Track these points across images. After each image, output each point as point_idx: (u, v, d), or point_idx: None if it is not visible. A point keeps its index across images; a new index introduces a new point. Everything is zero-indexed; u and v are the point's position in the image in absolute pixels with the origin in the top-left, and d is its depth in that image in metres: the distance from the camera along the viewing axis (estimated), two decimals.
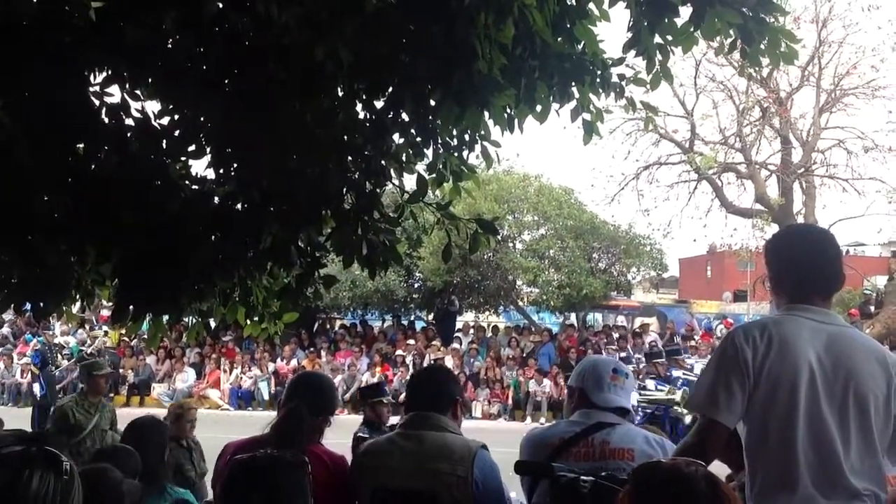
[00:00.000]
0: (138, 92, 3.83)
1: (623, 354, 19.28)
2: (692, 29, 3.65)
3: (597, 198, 38.48)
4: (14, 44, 3.20)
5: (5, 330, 22.94)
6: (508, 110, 3.99)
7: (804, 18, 21.75)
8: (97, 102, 3.76)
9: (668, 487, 2.01)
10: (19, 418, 11.70)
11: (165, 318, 4.37)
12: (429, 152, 4.30)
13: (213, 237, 3.98)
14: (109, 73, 3.73)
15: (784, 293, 2.91)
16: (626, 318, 27.23)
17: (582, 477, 2.93)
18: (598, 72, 4.18)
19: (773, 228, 20.51)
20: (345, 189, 4.04)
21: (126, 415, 8.01)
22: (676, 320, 24.44)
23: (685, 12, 3.61)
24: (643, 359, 18.24)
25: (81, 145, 3.79)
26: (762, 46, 3.57)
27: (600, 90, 4.25)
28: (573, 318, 25.05)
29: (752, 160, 23.04)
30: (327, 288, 4.16)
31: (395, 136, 4.20)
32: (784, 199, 22.20)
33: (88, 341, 15.27)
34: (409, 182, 4.45)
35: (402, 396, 16.26)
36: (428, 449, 3.16)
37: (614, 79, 4.23)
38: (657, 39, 3.79)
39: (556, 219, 22.64)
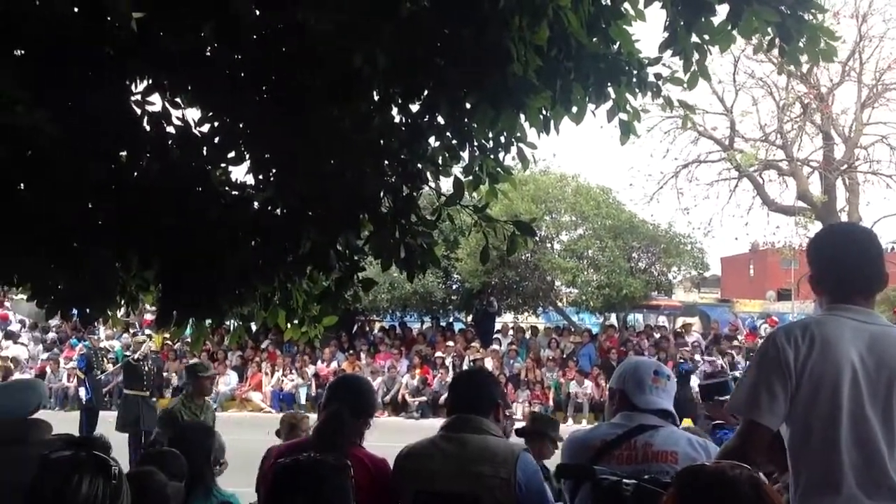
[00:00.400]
0: (178, 100, 3.89)
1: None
2: (729, 28, 3.63)
3: (635, 197, 38.19)
4: (58, 54, 3.27)
5: (51, 335, 23.36)
6: (544, 112, 3.99)
7: (844, 13, 21.42)
8: (139, 111, 3.83)
9: (711, 491, 2.00)
10: (67, 422, 11.87)
11: (208, 322, 4.43)
12: (465, 155, 4.30)
13: (252, 242, 4.03)
14: (150, 82, 3.80)
15: (826, 293, 2.87)
16: (668, 319, 26.96)
17: (624, 480, 2.90)
18: (635, 72, 4.16)
19: (816, 226, 20.24)
20: (382, 193, 4.07)
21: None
22: (720, 320, 24.17)
23: (722, 11, 3.58)
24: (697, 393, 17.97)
25: (124, 153, 3.86)
26: (801, 44, 3.54)
27: (637, 90, 4.23)
28: (613, 318, 24.87)
29: (794, 157, 22.73)
30: (366, 291, 4.19)
31: (431, 140, 4.21)
32: (827, 197, 21.88)
33: (133, 345, 15.45)
34: (446, 185, 4.48)
35: (443, 398, 16.32)
36: (470, 452, 3.16)
37: (651, 78, 4.21)
38: (694, 38, 3.77)
39: (594, 219, 22.50)
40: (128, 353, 13.76)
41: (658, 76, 4.22)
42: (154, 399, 13.44)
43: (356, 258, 4.20)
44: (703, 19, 3.65)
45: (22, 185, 3.49)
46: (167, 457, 4.13)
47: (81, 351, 16.94)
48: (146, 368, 13.04)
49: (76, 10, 3.06)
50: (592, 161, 53.88)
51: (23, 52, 3.33)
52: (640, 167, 33.48)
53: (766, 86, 22.82)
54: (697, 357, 17.09)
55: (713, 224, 24.87)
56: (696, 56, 3.85)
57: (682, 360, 16.93)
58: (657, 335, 22.20)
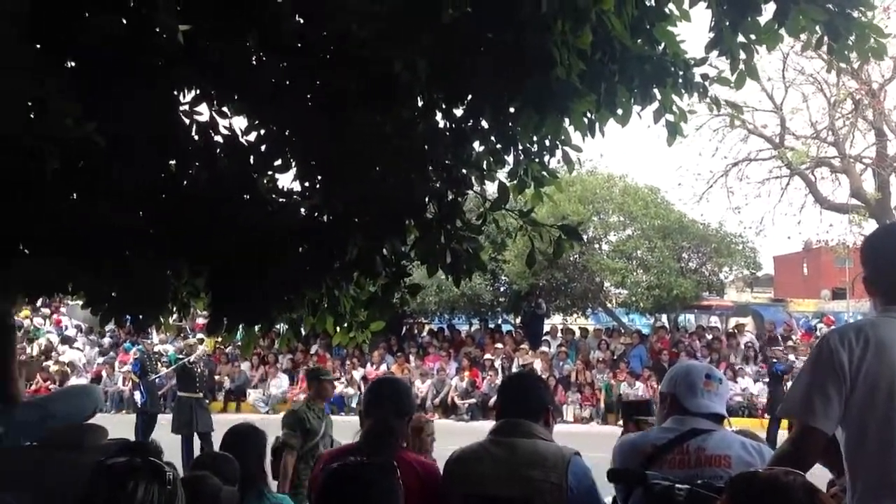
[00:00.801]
0: (225, 109, 3.94)
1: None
2: (776, 27, 3.57)
3: (684, 196, 37.71)
4: (107, 66, 3.33)
5: (107, 340, 23.83)
6: (589, 115, 3.97)
7: (894, 8, 20.89)
8: (187, 121, 3.89)
9: (764, 497, 1.97)
10: (122, 425, 12.12)
11: (257, 327, 4.48)
12: (509, 159, 4.30)
13: (300, 249, 4.07)
14: (198, 92, 3.86)
15: (880, 294, 2.82)
16: (720, 319, 26.60)
17: (677, 485, 2.86)
18: (681, 72, 4.12)
19: (871, 223, 19.82)
20: (427, 198, 4.08)
21: (223, 421, 8.21)
22: (774, 320, 23.77)
23: (768, 10, 3.53)
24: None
25: (173, 162, 3.92)
26: (850, 42, 3.47)
27: (683, 91, 4.19)
28: (664, 319, 24.60)
29: (846, 154, 22.25)
30: (413, 296, 4.21)
31: (476, 144, 4.22)
32: (881, 194, 21.36)
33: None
34: (491, 189, 4.47)
35: (492, 401, 16.32)
36: (520, 456, 3.15)
37: (697, 79, 4.17)
38: (740, 38, 3.72)
39: (642, 219, 22.27)
40: (181, 357, 13.96)
41: (705, 76, 4.18)
42: (207, 401, 13.61)
43: (402, 263, 4.22)
44: (749, 19, 3.61)
45: (74, 195, 3.55)
46: (220, 461, 4.18)
47: (135, 355, 17.22)
48: (199, 371, 13.22)
49: (124, 21, 3.11)
50: (640, 161, 53.45)
51: (73, 64, 3.40)
52: (689, 166, 32.94)
53: (817, 82, 22.37)
54: (792, 357, 16.64)
55: (765, 223, 24.44)
56: (742, 55, 3.80)
57: (775, 360, 16.53)
58: (709, 336, 21.92)
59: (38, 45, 3.03)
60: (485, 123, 4.08)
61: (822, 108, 22.74)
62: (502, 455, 3.17)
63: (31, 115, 2.71)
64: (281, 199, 4.24)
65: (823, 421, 2.64)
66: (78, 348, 24.06)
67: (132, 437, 11.51)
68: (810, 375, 2.72)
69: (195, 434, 12.14)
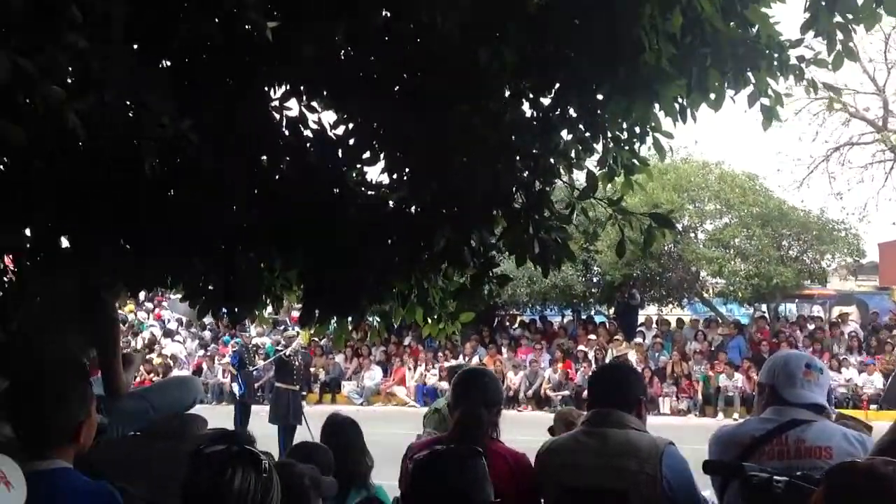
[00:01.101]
0: (314, 104, 4.00)
1: None
2: (874, 5, 3.44)
3: (784, 183, 36.55)
4: (199, 64, 3.43)
5: (207, 333, 24.58)
6: (679, 100, 3.89)
7: None
8: (277, 116, 3.97)
9: (861, 487, 1.93)
10: (222, 416, 12.50)
11: (349, 319, 4.55)
12: (598, 147, 4.24)
13: (388, 241, 4.11)
14: (287, 87, 3.93)
15: None
16: (823, 308, 25.79)
17: (775, 477, 2.80)
18: (776, 55, 4.00)
19: None
20: (514, 188, 4.07)
21: (319, 412, 8.37)
22: (879, 308, 22.92)
23: None
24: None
25: (264, 158, 4.01)
26: None
27: (778, 74, 4.07)
28: (764, 309, 23.99)
29: None
30: (501, 287, 4.20)
31: (564, 133, 4.17)
32: None
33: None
34: (580, 178, 4.42)
35: (586, 393, 16.10)
36: (612, 447, 3.12)
37: (793, 61, 4.04)
38: (837, 18, 3.60)
39: (740, 206, 21.72)
40: (279, 349, 14.29)
41: (801, 59, 4.04)
42: (303, 393, 13.90)
43: (490, 254, 4.22)
44: None
45: (171, 191, 3.67)
46: (315, 450, 4.27)
47: (234, 348, 17.72)
48: (296, 364, 13.51)
49: (216, 21, 3.19)
50: (737, 147, 52.04)
51: (168, 63, 3.51)
52: (788, 151, 31.99)
53: None
54: None
55: (868, 209, 23.52)
56: (840, 36, 3.67)
57: None
58: (811, 326, 21.27)
59: (136, 46, 3.13)
60: (573, 112, 4.04)
61: None
62: (595, 445, 3.16)
63: (130, 114, 2.80)
64: (370, 192, 4.28)
65: None
66: (179, 341, 24.90)
67: (231, 427, 11.85)
68: None
69: (292, 425, 12.38)
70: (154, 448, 3.92)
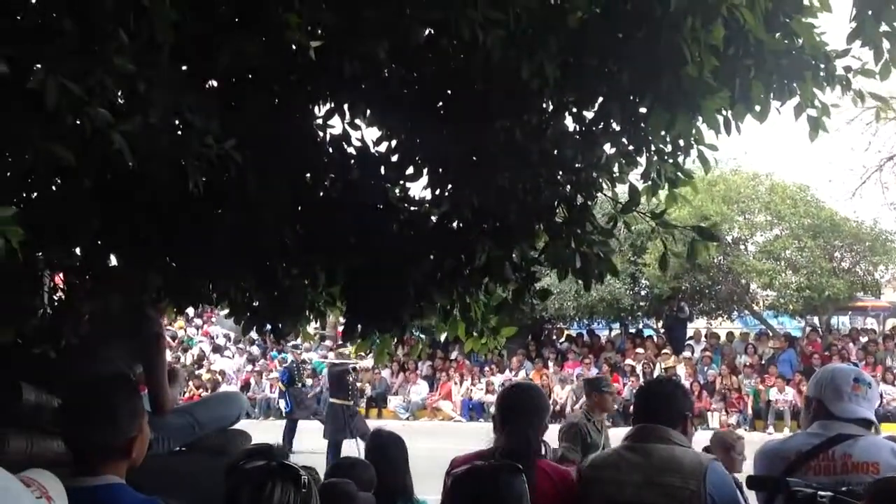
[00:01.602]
0: (358, 121, 4.04)
1: None
2: None
3: (836, 193, 35.92)
4: (243, 83, 3.49)
5: (255, 348, 24.82)
6: (724, 112, 3.85)
7: None
8: (321, 134, 4.02)
9: None
10: (271, 431, 12.60)
11: (391, 334, 4.57)
12: (642, 160, 4.22)
13: (430, 256, 4.12)
14: (331, 105, 3.97)
15: None
16: (876, 320, 25.27)
17: (819, 492, 2.76)
18: (822, 65, 3.95)
19: None
20: (556, 202, 4.06)
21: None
22: None
23: None
24: None
25: (308, 175, 4.05)
26: None
27: (825, 84, 4.02)
28: (816, 321, 23.57)
29: None
30: (543, 301, 4.19)
31: (606, 147, 4.16)
32: None
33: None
34: (624, 191, 4.39)
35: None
36: (656, 462, 3.09)
37: (840, 71, 3.98)
38: (884, 27, 3.54)
39: (790, 218, 21.38)
40: (336, 363, 14.26)
41: (847, 69, 3.99)
42: (357, 407, 13.90)
43: (532, 269, 4.21)
44: (892, 7, 3.43)
45: (217, 209, 3.72)
46: (358, 467, 4.28)
47: (283, 364, 17.82)
48: (350, 379, 13.50)
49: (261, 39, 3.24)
50: (787, 157, 51.21)
51: (214, 83, 3.58)
52: (841, 161, 31.40)
53: None
54: None
55: None
56: (887, 45, 3.62)
57: None
58: (864, 339, 20.84)
59: (184, 67, 3.20)
60: (615, 125, 4.02)
61: None
62: (638, 461, 3.12)
63: (177, 133, 2.86)
64: (412, 208, 4.30)
65: None
66: (228, 357, 25.17)
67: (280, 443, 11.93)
68: None
69: (356, 439, 12.23)
70: (198, 463, 3.98)
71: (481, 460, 3.14)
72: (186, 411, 4.22)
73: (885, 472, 2.84)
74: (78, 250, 3.89)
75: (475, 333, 4.71)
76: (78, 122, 2.42)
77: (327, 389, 15.44)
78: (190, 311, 22.68)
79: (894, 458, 2.93)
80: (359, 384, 19.90)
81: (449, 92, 3.98)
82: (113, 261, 3.94)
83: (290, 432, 14.36)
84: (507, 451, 3.25)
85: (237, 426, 4.44)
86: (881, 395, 17.24)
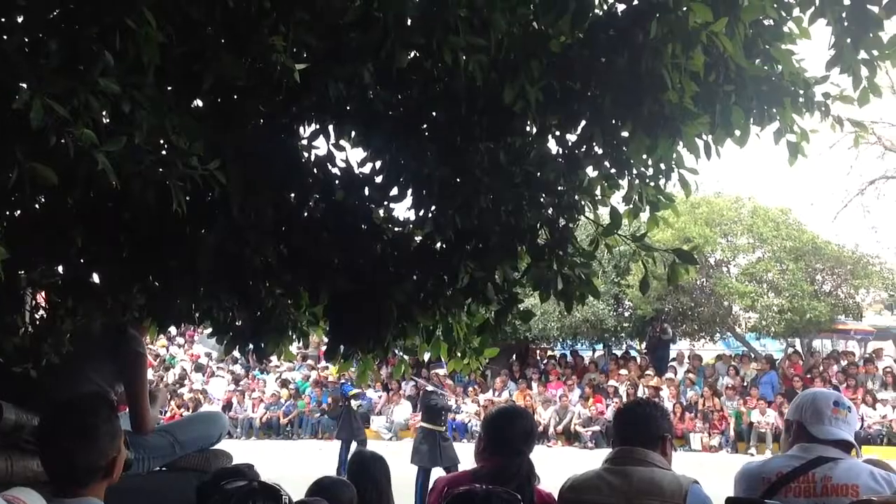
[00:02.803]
0: (343, 142, 4.07)
1: None
2: None
3: (818, 217, 36.24)
4: (229, 104, 3.51)
5: (238, 368, 24.69)
6: (704, 137, 3.90)
7: None
8: (305, 154, 4.04)
9: None
10: (253, 450, 12.53)
11: (373, 354, 4.57)
12: (624, 183, 4.26)
13: (413, 276, 4.14)
14: (316, 126, 4.00)
15: None
16: (859, 344, 25.41)
17: None
18: (801, 91, 4.01)
19: None
20: (539, 225, 4.08)
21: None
22: None
23: (891, 26, 3.41)
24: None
25: (293, 195, 4.07)
26: None
27: (804, 110, 4.08)
28: (798, 344, 23.69)
29: None
30: (525, 322, 4.21)
31: (589, 170, 4.20)
32: None
33: (314, 376, 16.16)
34: (605, 214, 4.43)
35: None
36: (636, 484, 3.10)
37: (818, 98, 4.05)
38: (862, 55, 3.60)
39: (773, 240, 21.55)
40: (430, 391, 14.02)
41: (826, 95, 4.05)
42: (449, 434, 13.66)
43: (514, 290, 4.23)
44: (871, 35, 3.49)
45: (201, 229, 3.73)
46: (337, 486, 4.27)
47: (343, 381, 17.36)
48: (439, 404, 13.24)
49: (248, 61, 3.27)
50: (770, 181, 51.54)
51: (200, 103, 3.59)
52: (823, 185, 31.73)
53: None
54: None
55: None
56: (865, 72, 3.68)
57: None
58: (845, 362, 20.96)
59: (169, 87, 3.22)
60: (598, 149, 4.06)
61: None
62: (617, 483, 3.14)
63: (163, 153, 2.87)
64: (396, 228, 4.32)
65: None
66: (213, 376, 25.01)
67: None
68: None
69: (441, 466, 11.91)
70: (180, 483, 3.96)
71: (472, 480, 3.16)
72: (167, 431, 4.20)
73: (864, 494, 2.88)
74: (61, 269, 3.88)
75: (458, 354, 4.72)
76: (62, 142, 2.43)
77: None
78: (172, 329, 22.61)
79: (873, 481, 2.96)
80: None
81: (434, 114, 4.00)
82: (96, 279, 3.93)
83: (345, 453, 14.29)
84: (499, 475, 3.26)
85: (218, 446, 4.43)
86: (862, 418, 17.35)
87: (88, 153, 2.40)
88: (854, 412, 3.29)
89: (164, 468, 4.16)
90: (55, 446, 2.47)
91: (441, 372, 12.12)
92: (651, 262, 4.13)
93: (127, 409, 4.06)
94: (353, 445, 12.94)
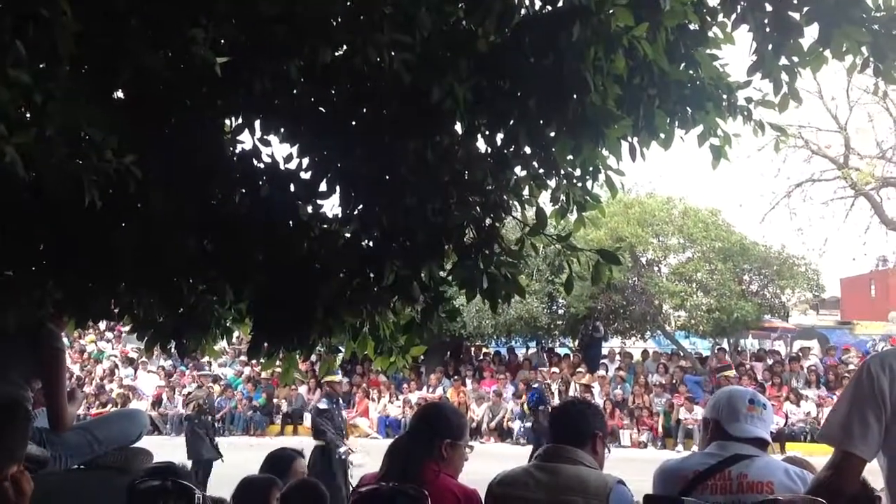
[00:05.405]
0: (269, 137, 4.01)
1: None
2: (820, 49, 3.54)
3: (746, 218, 37.09)
4: (150, 97, 3.43)
5: (167, 364, 24.27)
6: (628, 139, 3.96)
7: None
8: (230, 149, 3.97)
9: None
10: (181, 447, 12.35)
11: (297, 352, 4.53)
12: (551, 183, 4.29)
13: (340, 274, 4.11)
14: (241, 120, 3.94)
15: None
16: (784, 342, 26.08)
17: None
18: (724, 96, 4.10)
19: None
20: (465, 223, 4.09)
21: (280, 444, 8.26)
22: (839, 343, 23.23)
23: (811, 32, 3.50)
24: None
25: (217, 190, 4.00)
26: None
27: (727, 114, 4.17)
28: (725, 343, 24.21)
29: None
30: (451, 321, 4.20)
31: (517, 170, 4.21)
32: None
33: (247, 371, 15.80)
34: (533, 214, 4.45)
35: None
36: (563, 482, 3.15)
37: (741, 102, 4.14)
38: (783, 61, 3.69)
39: (702, 241, 21.98)
40: None
41: (749, 100, 4.15)
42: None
43: (441, 289, 4.23)
44: (791, 41, 3.58)
45: (123, 223, 3.64)
46: (263, 483, 4.25)
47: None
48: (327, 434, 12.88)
49: (169, 54, 3.20)
50: (701, 182, 52.65)
51: (119, 96, 3.51)
52: (751, 187, 32.62)
53: (883, 100, 21.91)
54: None
55: (829, 244, 23.90)
56: (786, 78, 3.77)
57: None
58: (770, 360, 21.49)
59: (86, 78, 3.13)
60: (526, 149, 4.08)
61: (889, 127, 22.28)
62: (545, 480, 3.19)
63: (74, 146, 2.79)
64: (324, 225, 4.28)
65: (862, 447, 2.62)
66: (145, 371, 24.57)
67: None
68: (849, 401, 2.70)
69: None
70: (97, 481, 3.89)
71: (383, 479, 3.15)
72: (85, 429, 4.11)
73: (779, 491, 2.95)
74: None
75: (384, 352, 4.70)
76: None
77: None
78: (102, 324, 22.12)
79: (787, 478, 3.03)
80: (274, 400, 19.51)
81: (364, 111, 3.98)
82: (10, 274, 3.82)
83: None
84: (388, 463, 3.26)
85: (140, 443, 4.35)
86: (786, 415, 17.82)
87: None
88: (770, 409, 3.37)
89: (81, 466, 4.07)
90: None
91: (336, 379, 11.82)
92: (576, 262, 4.17)
93: (44, 407, 3.97)
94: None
